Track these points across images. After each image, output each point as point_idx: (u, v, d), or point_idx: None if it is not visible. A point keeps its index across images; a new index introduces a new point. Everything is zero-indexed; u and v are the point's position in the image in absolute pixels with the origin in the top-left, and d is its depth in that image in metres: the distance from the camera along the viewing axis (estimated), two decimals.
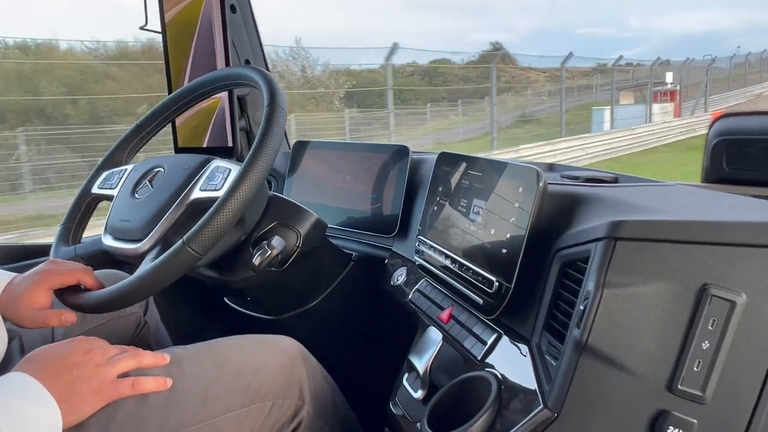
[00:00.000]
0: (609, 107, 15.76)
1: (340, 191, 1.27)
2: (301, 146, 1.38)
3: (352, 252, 1.16)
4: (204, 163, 0.95)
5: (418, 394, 0.84)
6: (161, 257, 0.83)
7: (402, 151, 1.17)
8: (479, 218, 0.82)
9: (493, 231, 0.78)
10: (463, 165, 0.89)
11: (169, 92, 1.31)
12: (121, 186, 1.02)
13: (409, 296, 0.98)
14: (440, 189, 0.94)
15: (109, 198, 1.03)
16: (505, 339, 0.75)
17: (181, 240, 0.81)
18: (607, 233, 0.58)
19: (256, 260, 0.96)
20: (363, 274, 1.14)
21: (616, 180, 0.95)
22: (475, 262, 0.80)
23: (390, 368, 0.96)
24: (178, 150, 1.34)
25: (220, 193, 0.86)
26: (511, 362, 0.71)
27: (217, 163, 0.94)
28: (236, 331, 0.91)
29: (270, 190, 1.12)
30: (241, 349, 0.84)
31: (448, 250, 0.87)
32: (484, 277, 0.77)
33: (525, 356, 0.69)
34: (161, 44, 1.32)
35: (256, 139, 0.85)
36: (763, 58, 29.89)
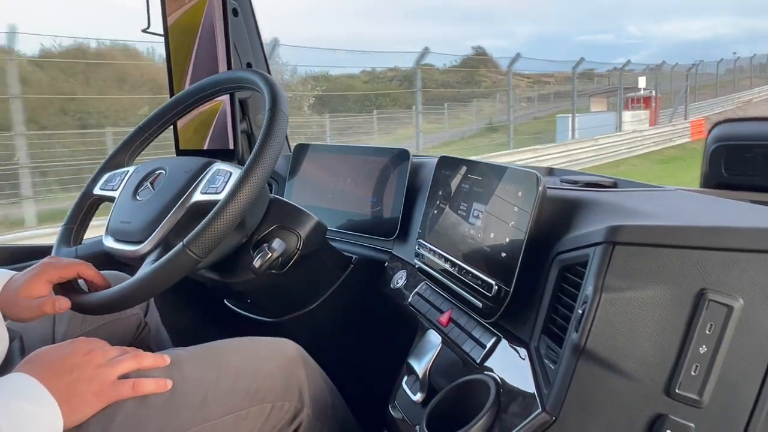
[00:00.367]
0: (584, 114, 14.53)
1: (341, 194, 1.27)
2: (302, 149, 1.38)
3: (352, 255, 1.17)
4: (205, 166, 0.96)
5: (417, 397, 0.84)
6: (161, 260, 0.83)
7: (402, 155, 1.17)
8: (479, 222, 0.82)
9: (492, 235, 0.79)
10: (464, 169, 0.90)
11: (171, 95, 1.31)
12: (123, 188, 1.03)
13: (409, 299, 0.98)
14: (440, 192, 0.94)
15: (111, 199, 1.03)
16: (504, 342, 0.75)
17: (181, 243, 0.81)
18: (606, 238, 0.58)
19: (257, 263, 0.96)
20: (363, 277, 1.15)
21: (614, 185, 0.95)
22: (475, 265, 0.81)
23: (389, 371, 0.96)
24: (180, 152, 1.35)
25: (221, 197, 0.86)
26: (510, 366, 0.71)
27: (218, 166, 0.95)
28: (236, 333, 0.91)
29: (271, 192, 1.12)
30: (241, 351, 0.84)
31: (447, 253, 0.88)
32: (484, 281, 0.78)
33: (524, 360, 0.70)
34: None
35: (257, 144, 0.85)
36: (753, 64, 28.60)
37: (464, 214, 0.86)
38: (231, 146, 1.30)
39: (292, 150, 1.42)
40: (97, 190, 1.06)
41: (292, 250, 1.00)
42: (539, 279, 0.72)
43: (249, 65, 1.49)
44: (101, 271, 0.92)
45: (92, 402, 0.70)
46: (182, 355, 0.81)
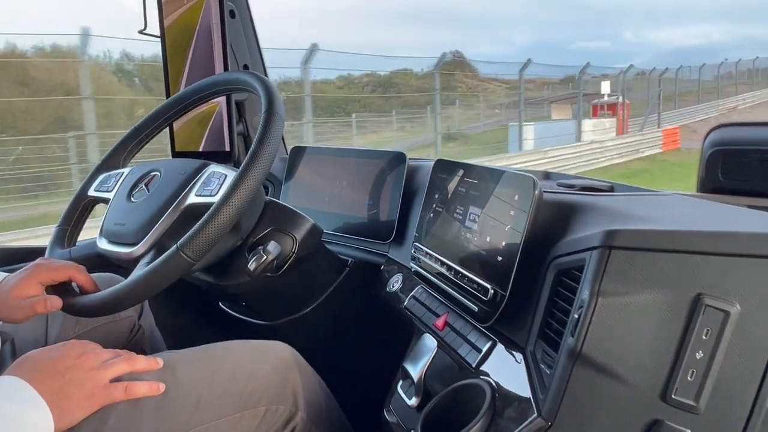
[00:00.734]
0: (543, 122, 13.06)
1: (337, 197, 1.27)
2: (298, 152, 1.38)
3: (347, 258, 1.16)
4: (200, 169, 0.95)
5: (413, 402, 0.84)
6: (155, 262, 0.82)
7: (399, 158, 1.17)
8: (475, 225, 0.82)
9: (488, 238, 0.78)
10: (460, 172, 0.89)
11: (167, 96, 1.31)
12: (118, 189, 1.02)
13: (405, 303, 0.98)
14: (437, 196, 0.94)
15: (105, 201, 1.03)
16: (499, 347, 0.75)
17: (175, 245, 0.81)
18: (602, 242, 0.58)
19: (252, 265, 0.96)
20: (359, 280, 1.14)
21: (611, 189, 0.95)
22: (471, 269, 0.80)
23: (384, 375, 0.96)
24: (175, 154, 1.34)
25: (216, 199, 0.86)
26: (506, 370, 0.71)
27: (213, 168, 0.94)
28: (231, 336, 0.91)
29: (266, 195, 1.12)
30: (235, 354, 0.83)
31: (443, 257, 0.87)
32: (480, 285, 0.77)
33: (519, 364, 0.69)
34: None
35: (252, 146, 0.85)
36: (739, 69, 26.92)
37: (460, 217, 0.86)
38: (227, 148, 1.30)
39: (288, 152, 1.41)
40: (91, 192, 1.06)
41: (287, 253, 1.00)
42: (535, 283, 0.72)
43: (246, 67, 1.49)
44: (95, 274, 0.92)
45: (84, 405, 0.69)
46: (176, 358, 0.80)
